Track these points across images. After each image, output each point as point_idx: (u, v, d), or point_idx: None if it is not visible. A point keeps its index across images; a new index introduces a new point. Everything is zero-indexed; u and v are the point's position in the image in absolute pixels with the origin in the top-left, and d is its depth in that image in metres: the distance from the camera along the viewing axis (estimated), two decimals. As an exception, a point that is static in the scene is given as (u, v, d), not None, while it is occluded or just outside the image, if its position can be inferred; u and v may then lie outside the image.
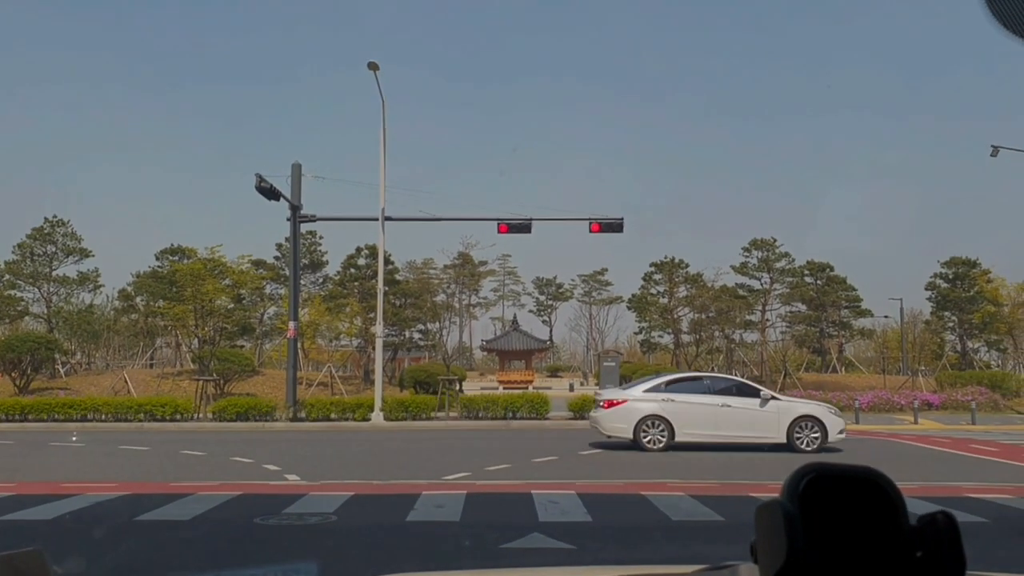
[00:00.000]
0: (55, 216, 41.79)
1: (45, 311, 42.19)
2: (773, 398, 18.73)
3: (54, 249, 41.71)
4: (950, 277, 46.16)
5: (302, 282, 42.35)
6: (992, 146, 31.21)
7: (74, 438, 22.74)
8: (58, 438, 22.50)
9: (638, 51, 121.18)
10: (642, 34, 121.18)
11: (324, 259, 50.39)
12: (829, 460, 1.17)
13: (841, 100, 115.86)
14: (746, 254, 46.19)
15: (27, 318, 43.57)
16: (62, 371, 41.22)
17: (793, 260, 46.32)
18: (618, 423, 18.66)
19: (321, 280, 50.09)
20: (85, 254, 42.36)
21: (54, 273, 42.00)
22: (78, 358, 47.96)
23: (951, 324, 47.16)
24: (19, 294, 41.78)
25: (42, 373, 38.65)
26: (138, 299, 45.21)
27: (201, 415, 29.29)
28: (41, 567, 1.17)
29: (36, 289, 42.05)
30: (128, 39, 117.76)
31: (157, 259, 44.69)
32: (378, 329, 30.18)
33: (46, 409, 28.24)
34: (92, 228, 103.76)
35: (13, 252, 41.32)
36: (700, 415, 18.27)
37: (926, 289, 47.35)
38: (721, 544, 8.47)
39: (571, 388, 49.28)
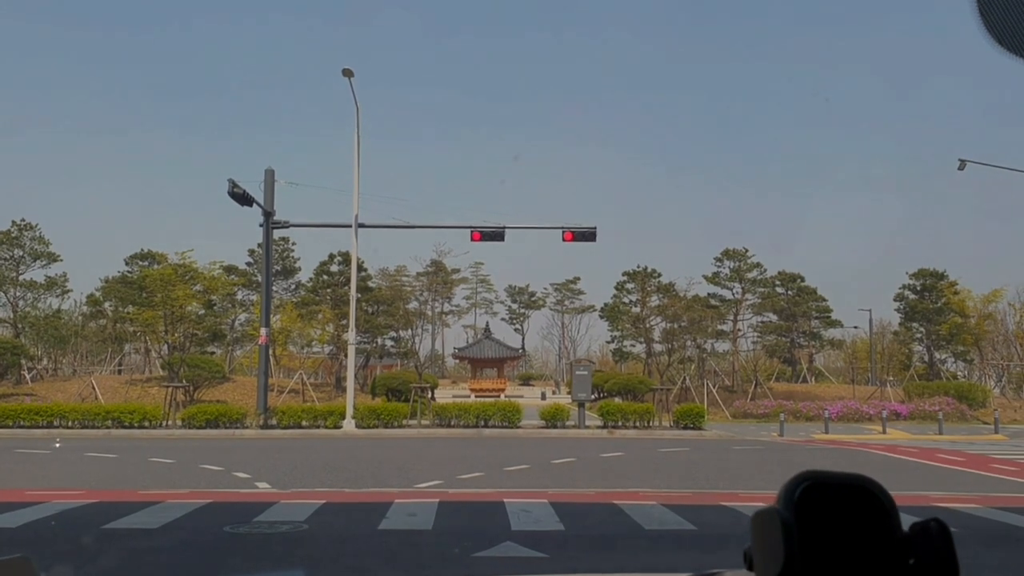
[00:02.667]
0: (23, 220, 41.24)
1: (11, 316, 41.57)
2: None
3: (21, 253, 41.10)
4: (918, 289, 46.77)
5: (274, 288, 42.08)
6: (960, 159, 31.67)
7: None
8: (24, 445, 22.17)
9: (617, 57, 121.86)
10: (624, 38, 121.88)
11: (297, 265, 50.14)
12: (824, 468, 1.19)
13: (820, 113, 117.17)
14: (718, 264, 46.57)
15: (-8, 323, 42.93)
16: (28, 377, 40.63)
17: (765, 271, 46.77)
18: None
19: (293, 287, 49.80)
20: (53, 258, 41.77)
21: (21, 277, 41.39)
22: (45, 364, 47.28)
23: (919, 335, 47.77)
24: (-16, 299, 41.22)
25: (8, 379, 38.09)
26: (107, 304, 44.68)
27: (170, 422, 28.98)
28: (28, 575, 1.15)
29: (2, 294, 41.42)
30: (101, 42, 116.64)
31: (127, 264, 44.27)
32: (350, 336, 30.05)
33: (12, 415, 27.79)
34: (61, 232, 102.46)
35: (-21, 256, 40.74)
36: None
37: (895, 300, 47.99)
38: (694, 553, 8.51)
39: (543, 397, 49.29)
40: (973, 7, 1.63)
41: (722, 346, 48.58)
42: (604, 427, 28.65)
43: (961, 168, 31.82)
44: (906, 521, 1.14)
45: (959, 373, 48.48)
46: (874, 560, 1.11)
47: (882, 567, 1.10)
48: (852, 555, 1.10)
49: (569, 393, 36.95)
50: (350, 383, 29.45)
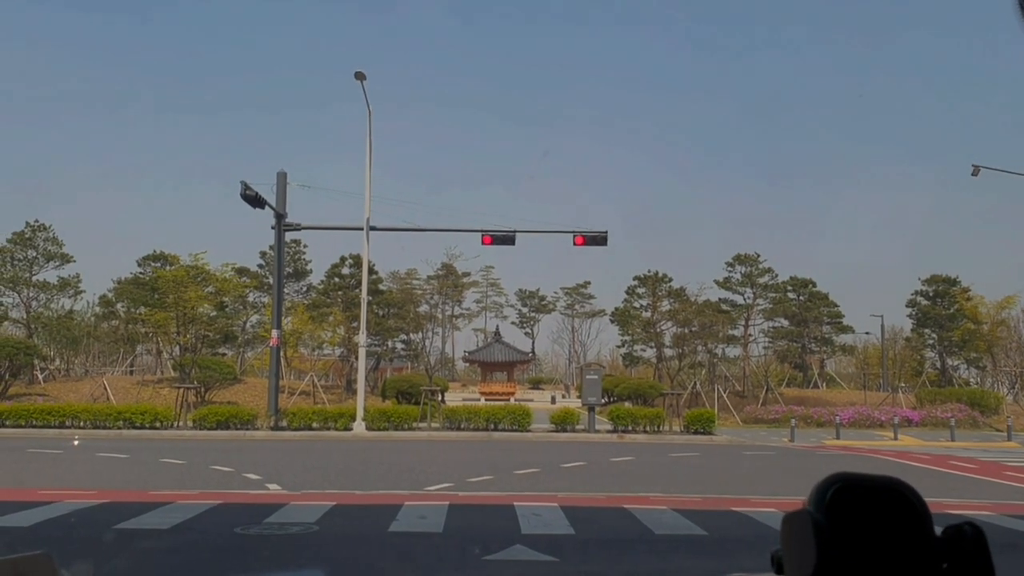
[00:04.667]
0: (36, 221, 41.39)
1: (24, 316, 41.75)
2: None
3: (35, 254, 41.25)
4: (930, 295, 46.50)
5: (286, 291, 42.17)
6: (973, 165, 31.51)
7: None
8: (36, 444, 22.28)
9: (629, 58, 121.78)
10: (638, 39, 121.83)
11: (308, 268, 50.23)
12: (854, 470, 1.18)
13: (832, 117, 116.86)
14: (729, 269, 46.43)
15: (6, 323, 43.01)
16: (41, 377, 40.78)
17: (776, 276, 46.59)
18: None
19: (305, 289, 49.88)
20: (66, 259, 41.91)
21: (34, 278, 41.54)
22: (57, 364, 47.44)
23: (931, 341, 47.47)
24: (-2, 299, 41.37)
25: (20, 379, 38.21)
26: (119, 305, 44.82)
27: (181, 423, 29.07)
28: (49, 572, 1.15)
29: (16, 294, 41.59)
30: (114, 40, 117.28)
31: (139, 265, 44.40)
32: (361, 338, 30.09)
33: (24, 415, 27.94)
34: (74, 233, 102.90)
35: (-7, 256, 40.92)
36: None
37: (907, 306, 47.69)
38: (705, 557, 8.47)
39: (553, 400, 49.25)
40: (1015, 6, 1.60)
41: (733, 351, 48.41)
42: (614, 431, 28.60)
43: (975, 174, 31.67)
44: None
45: (972, 380, 48.15)
46: (907, 563, 1.09)
47: (915, 570, 1.09)
48: (885, 558, 1.09)
49: (579, 397, 36.89)
50: (360, 385, 29.48)
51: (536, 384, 67.60)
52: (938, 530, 1.15)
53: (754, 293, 46.34)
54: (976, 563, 1.07)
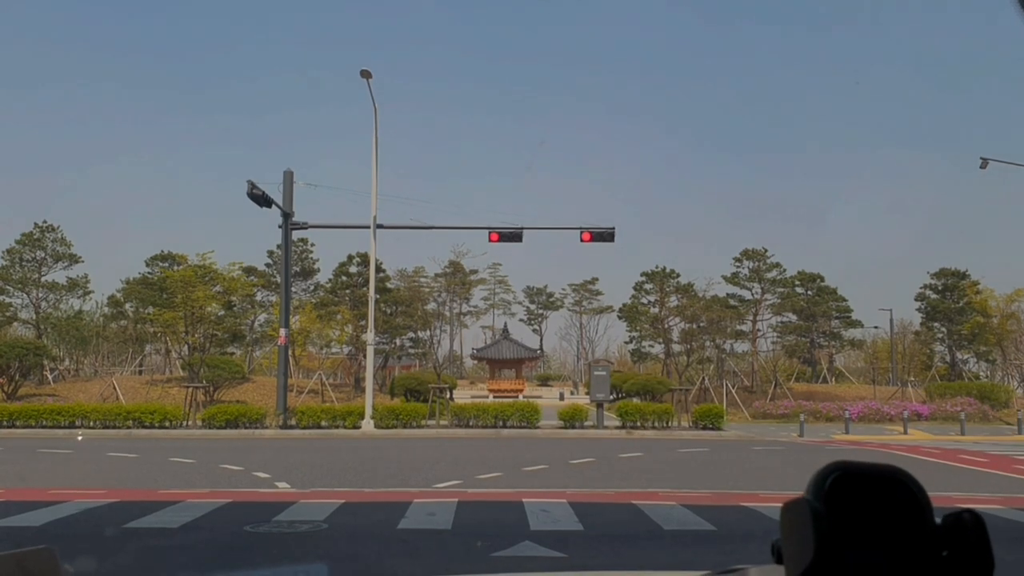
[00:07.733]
0: (45, 221, 41.56)
1: (34, 317, 41.93)
2: None
3: (43, 255, 41.43)
4: (940, 288, 46.35)
5: (293, 289, 42.23)
6: (982, 158, 31.38)
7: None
8: (46, 444, 22.37)
9: (638, 54, 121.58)
10: (644, 34, 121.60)
11: (316, 267, 50.32)
12: (855, 459, 1.17)
13: (843, 113, 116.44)
14: (737, 264, 46.32)
15: (16, 324, 43.20)
16: (50, 377, 40.96)
17: (784, 271, 46.45)
18: None
19: (312, 287, 49.99)
20: (75, 260, 42.09)
21: (43, 279, 41.73)
22: (67, 364, 47.65)
23: (940, 335, 47.33)
24: (8, 300, 41.48)
25: (30, 379, 38.39)
26: (128, 305, 44.96)
27: (190, 422, 29.15)
28: (52, 566, 1.16)
29: (25, 295, 41.77)
30: (121, 40, 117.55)
31: (147, 265, 44.52)
32: (369, 337, 30.12)
33: (34, 415, 28.05)
34: (83, 234, 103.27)
35: (2, 257, 41.01)
36: None
37: (916, 300, 47.57)
38: (713, 553, 8.47)
39: (561, 397, 49.24)
40: (1014, 4, 1.59)
41: (741, 346, 48.34)
42: (623, 428, 28.58)
43: (983, 167, 31.54)
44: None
45: (981, 373, 47.97)
46: (906, 551, 1.09)
47: (915, 558, 1.08)
48: (884, 546, 1.09)
49: (587, 394, 36.84)
50: (369, 383, 29.53)
51: (544, 381, 67.62)
52: (938, 519, 1.14)
53: (762, 288, 46.23)
54: (976, 550, 1.07)
